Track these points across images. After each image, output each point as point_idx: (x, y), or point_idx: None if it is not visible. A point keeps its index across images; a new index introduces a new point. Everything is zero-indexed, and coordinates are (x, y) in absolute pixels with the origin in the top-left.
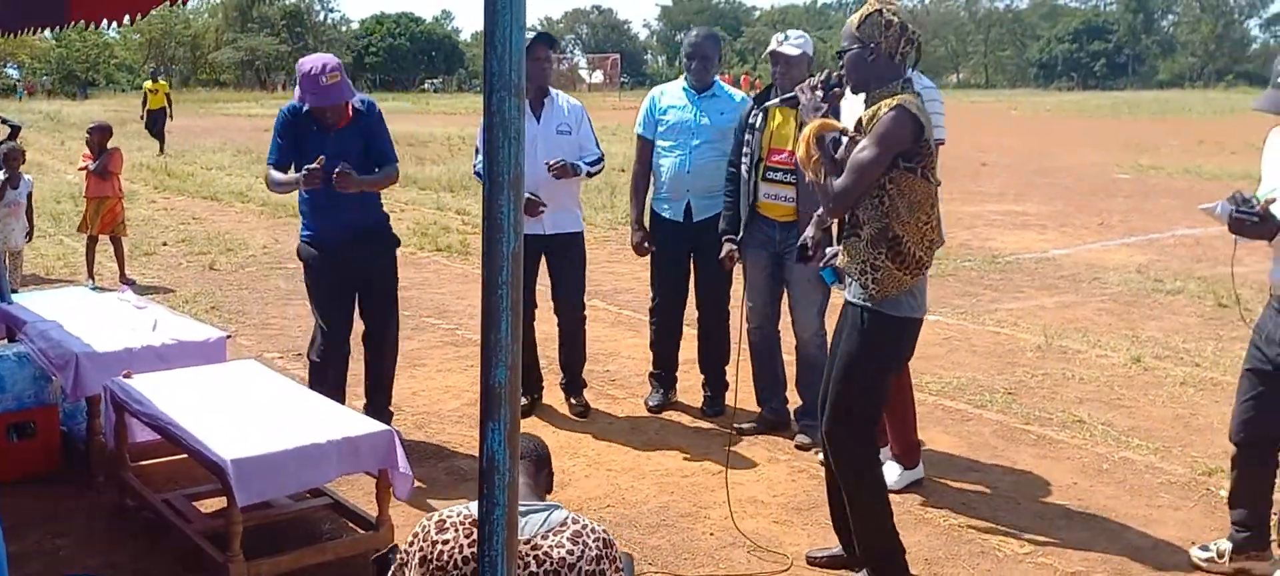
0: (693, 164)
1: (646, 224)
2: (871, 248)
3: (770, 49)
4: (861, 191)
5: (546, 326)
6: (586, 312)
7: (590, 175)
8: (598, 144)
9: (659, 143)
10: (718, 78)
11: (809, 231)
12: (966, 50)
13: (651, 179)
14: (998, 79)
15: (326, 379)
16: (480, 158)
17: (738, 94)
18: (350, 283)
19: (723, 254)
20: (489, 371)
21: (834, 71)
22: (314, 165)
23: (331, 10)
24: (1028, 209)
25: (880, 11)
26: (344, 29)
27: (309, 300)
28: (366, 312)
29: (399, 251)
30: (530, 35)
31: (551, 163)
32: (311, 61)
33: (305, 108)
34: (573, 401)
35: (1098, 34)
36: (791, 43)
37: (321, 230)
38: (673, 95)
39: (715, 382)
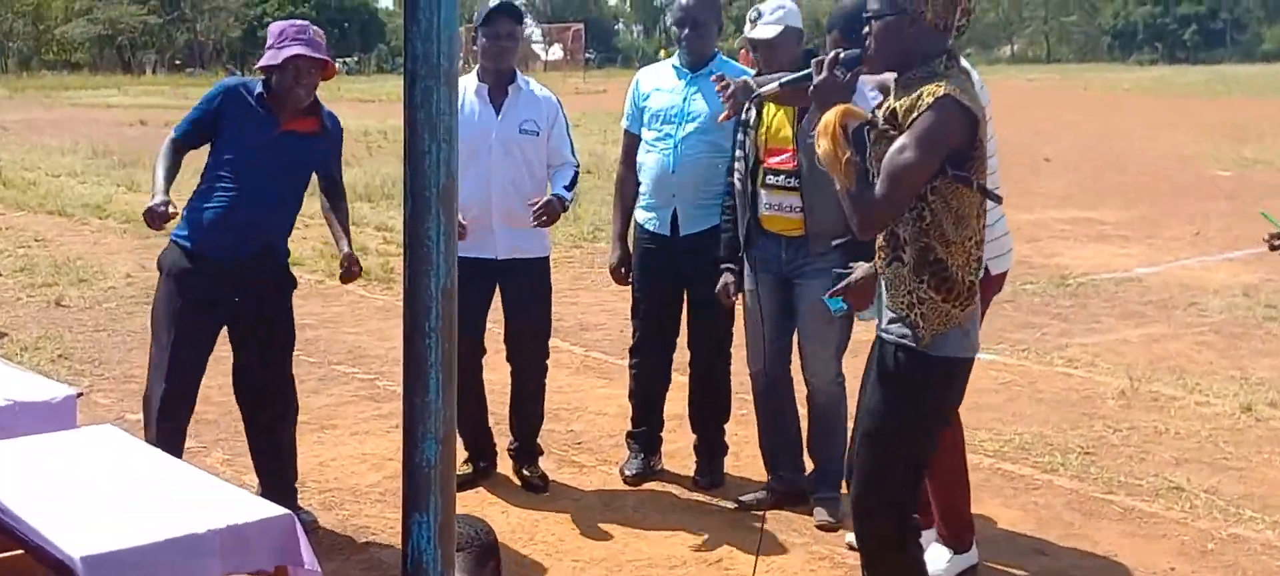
0: (679, 161)
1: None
2: (914, 276)
3: (744, 35)
4: (905, 205)
5: (499, 375)
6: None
7: (574, 191)
8: (574, 150)
9: (644, 136)
10: (721, 53)
11: (861, 269)
12: (1022, 16)
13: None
14: (1062, 51)
15: (168, 428)
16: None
17: (741, 71)
18: (220, 319)
19: (718, 286)
20: (414, 446)
21: (841, 51)
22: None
23: None
24: (1104, 216)
25: None
26: None
27: (152, 325)
28: (253, 361)
29: (305, 280)
30: (493, 2)
31: (534, 205)
32: (284, 22)
33: (258, 91)
34: (527, 472)
35: None
36: (767, 20)
37: (208, 241)
38: (658, 76)
39: (712, 444)
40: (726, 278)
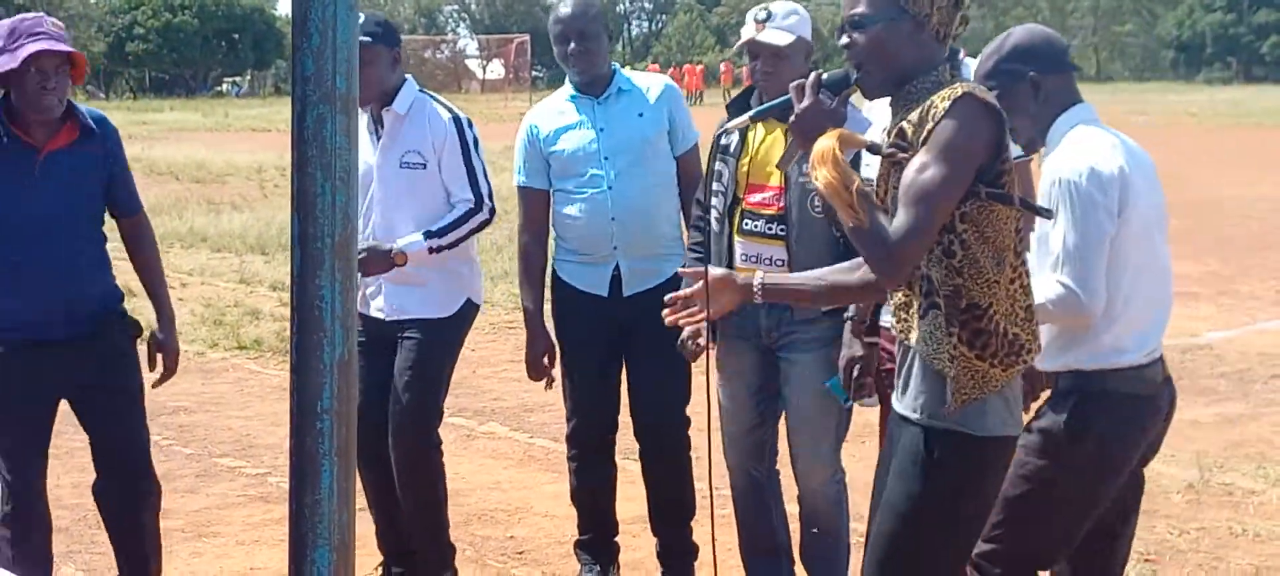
0: (617, 205)
1: (548, 307)
2: (947, 327)
3: (745, 37)
4: (933, 234)
5: (461, 463)
6: (438, 447)
7: (443, 240)
8: (475, 181)
9: (558, 188)
10: (619, 66)
11: (846, 351)
12: (1067, 26)
13: (552, 240)
14: (1115, 67)
15: (27, 551)
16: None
17: (655, 79)
18: (51, 399)
19: (685, 334)
20: (303, 555)
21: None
22: None
23: None
24: None
25: None
26: (93, 1)
27: None
28: (98, 450)
29: (182, 352)
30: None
31: (392, 250)
32: (11, 19)
33: None
34: None
35: (1265, 1)
36: (777, 24)
37: (10, 315)
38: (556, 114)
39: (678, 548)
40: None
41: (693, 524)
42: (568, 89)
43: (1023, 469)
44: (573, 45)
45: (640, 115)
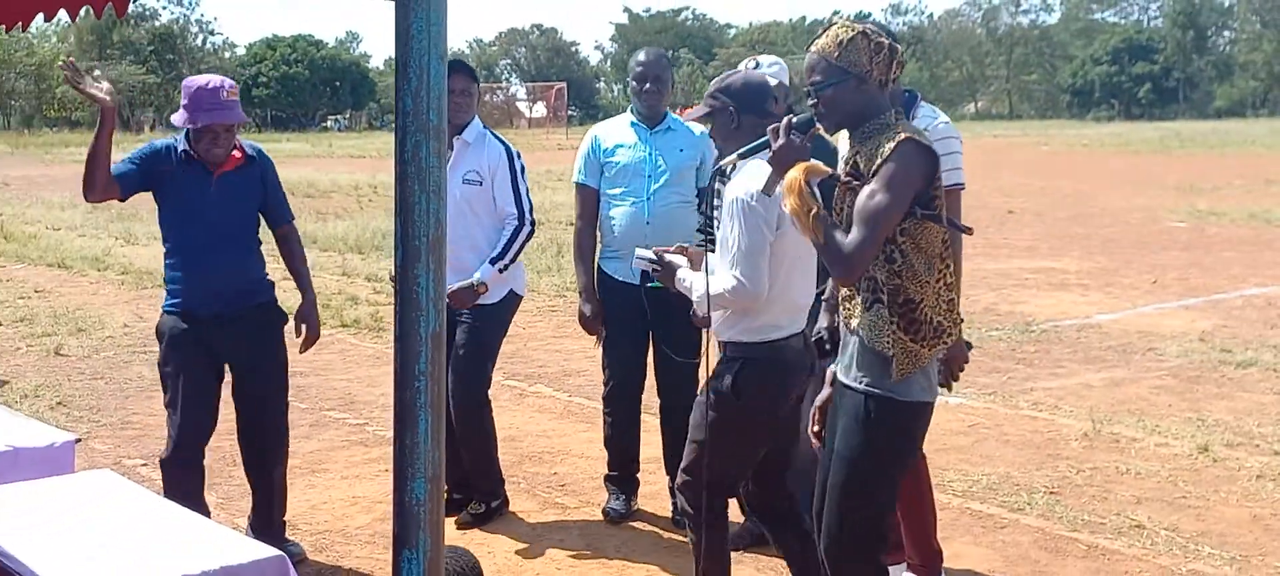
0: (653, 212)
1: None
2: (889, 316)
3: None
4: (879, 247)
5: (514, 416)
6: (487, 404)
7: (504, 260)
8: (520, 199)
9: (607, 191)
10: (669, 110)
11: (822, 321)
12: (985, 74)
13: (599, 235)
14: (1024, 108)
15: (185, 490)
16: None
17: (697, 128)
18: (216, 368)
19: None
20: (404, 485)
21: (794, 113)
22: None
23: (212, 32)
24: (1065, 265)
25: (865, 34)
26: (227, 56)
27: (162, 389)
28: (246, 404)
29: (320, 326)
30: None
31: (475, 283)
32: (205, 77)
33: (183, 149)
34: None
35: (1142, 54)
36: (766, 72)
37: (190, 297)
38: (618, 132)
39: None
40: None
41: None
42: (630, 116)
43: (706, 417)
44: (648, 85)
45: (681, 149)
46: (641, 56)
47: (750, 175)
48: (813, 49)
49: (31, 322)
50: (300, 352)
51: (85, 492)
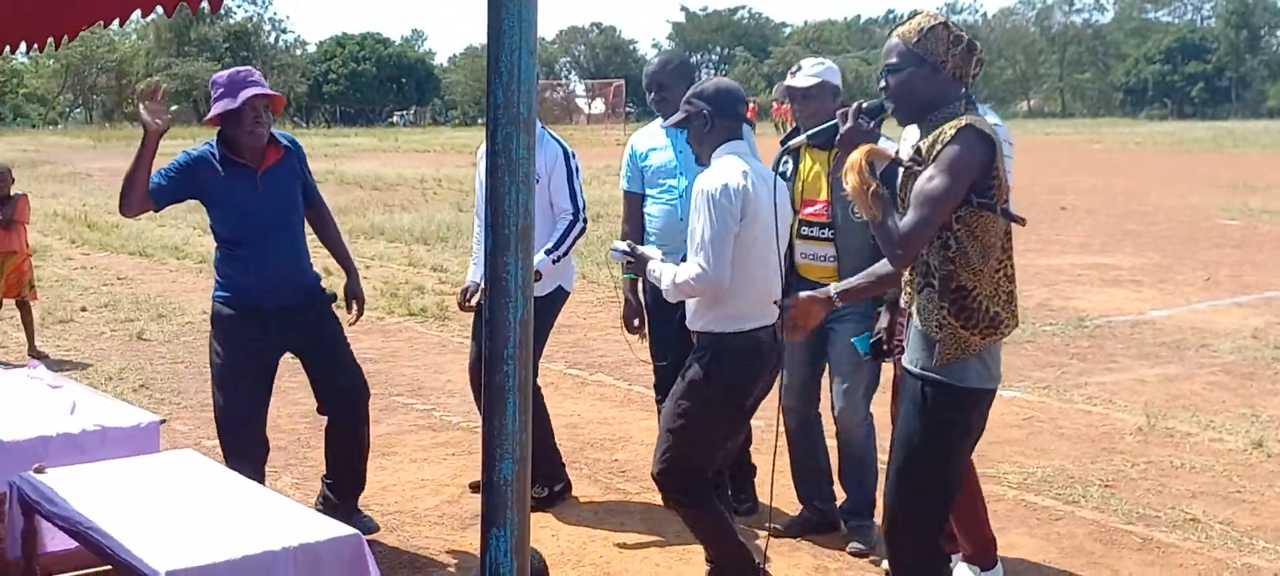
0: (685, 210)
1: (642, 291)
2: (939, 301)
3: (783, 85)
4: (935, 230)
5: (576, 403)
6: (537, 389)
7: (558, 252)
8: (574, 197)
9: (647, 192)
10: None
11: (882, 321)
12: (1038, 73)
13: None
14: (1076, 106)
15: (244, 466)
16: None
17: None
18: (276, 354)
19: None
20: (492, 465)
21: (863, 101)
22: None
23: (285, 31)
24: (1118, 261)
25: (944, 25)
26: (299, 53)
27: (211, 383)
28: (322, 383)
29: (366, 317)
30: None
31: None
32: (230, 71)
33: (221, 152)
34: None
35: (1195, 54)
36: (806, 73)
37: (241, 287)
38: (651, 137)
39: (738, 472)
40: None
41: (752, 449)
42: (660, 120)
43: (678, 406)
44: (653, 94)
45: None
46: (648, 67)
47: (717, 170)
48: (893, 34)
49: (115, 308)
50: (351, 325)
51: (169, 471)
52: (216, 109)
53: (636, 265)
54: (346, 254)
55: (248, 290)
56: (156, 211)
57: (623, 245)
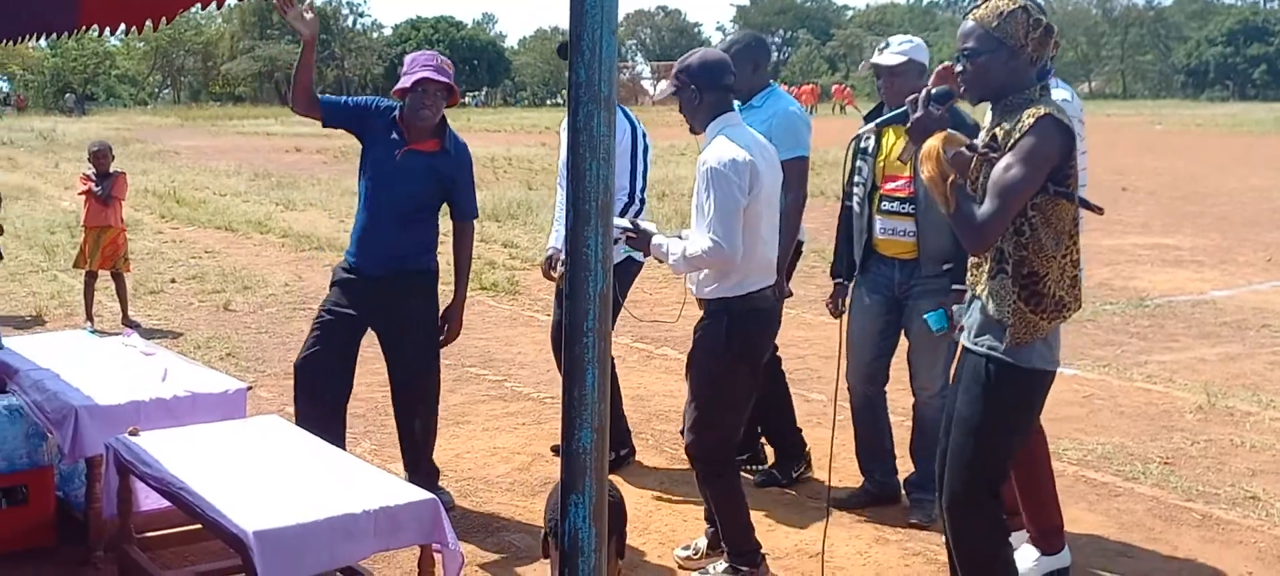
0: None
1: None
2: (1013, 287)
3: (870, 61)
4: (1011, 219)
5: (641, 376)
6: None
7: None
8: (633, 177)
9: None
10: (774, 83)
11: (957, 308)
12: (1100, 54)
13: None
14: (1137, 88)
15: (312, 420)
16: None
17: (791, 103)
18: (362, 324)
19: (828, 298)
20: (572, 434)
21: (932, 85)
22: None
23: (362, 15)
24: (1179, 242)
25: (1025, 9)
26: (375, 36)
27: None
28: (398, 362)
29: (439, 293)
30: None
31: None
32: (421, 53)
33: (394, 114)
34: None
35: (1257, 35)
36: (893, 50)
37: (355, 257)
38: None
39: (784, 442)
40: (835, 292)
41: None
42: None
43: (702, 375)
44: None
45: (762, 125)
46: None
47: (720, 146)
48: (971, 16)
49: (202, 280)
50: (440, 345)
51: (255, 435)
52: (397, 86)
53: (639, 241)
54: (463, 278)
55: (357, 254)
56: (323, 124)
57: (623, 221)
